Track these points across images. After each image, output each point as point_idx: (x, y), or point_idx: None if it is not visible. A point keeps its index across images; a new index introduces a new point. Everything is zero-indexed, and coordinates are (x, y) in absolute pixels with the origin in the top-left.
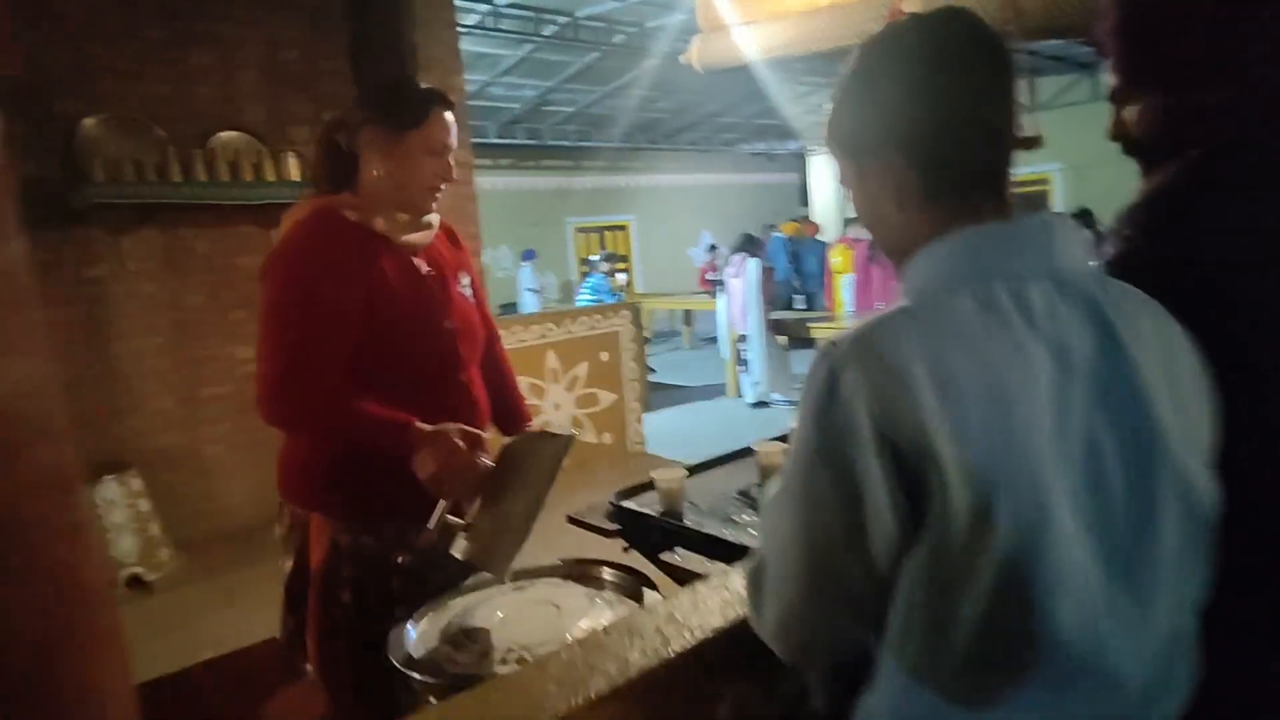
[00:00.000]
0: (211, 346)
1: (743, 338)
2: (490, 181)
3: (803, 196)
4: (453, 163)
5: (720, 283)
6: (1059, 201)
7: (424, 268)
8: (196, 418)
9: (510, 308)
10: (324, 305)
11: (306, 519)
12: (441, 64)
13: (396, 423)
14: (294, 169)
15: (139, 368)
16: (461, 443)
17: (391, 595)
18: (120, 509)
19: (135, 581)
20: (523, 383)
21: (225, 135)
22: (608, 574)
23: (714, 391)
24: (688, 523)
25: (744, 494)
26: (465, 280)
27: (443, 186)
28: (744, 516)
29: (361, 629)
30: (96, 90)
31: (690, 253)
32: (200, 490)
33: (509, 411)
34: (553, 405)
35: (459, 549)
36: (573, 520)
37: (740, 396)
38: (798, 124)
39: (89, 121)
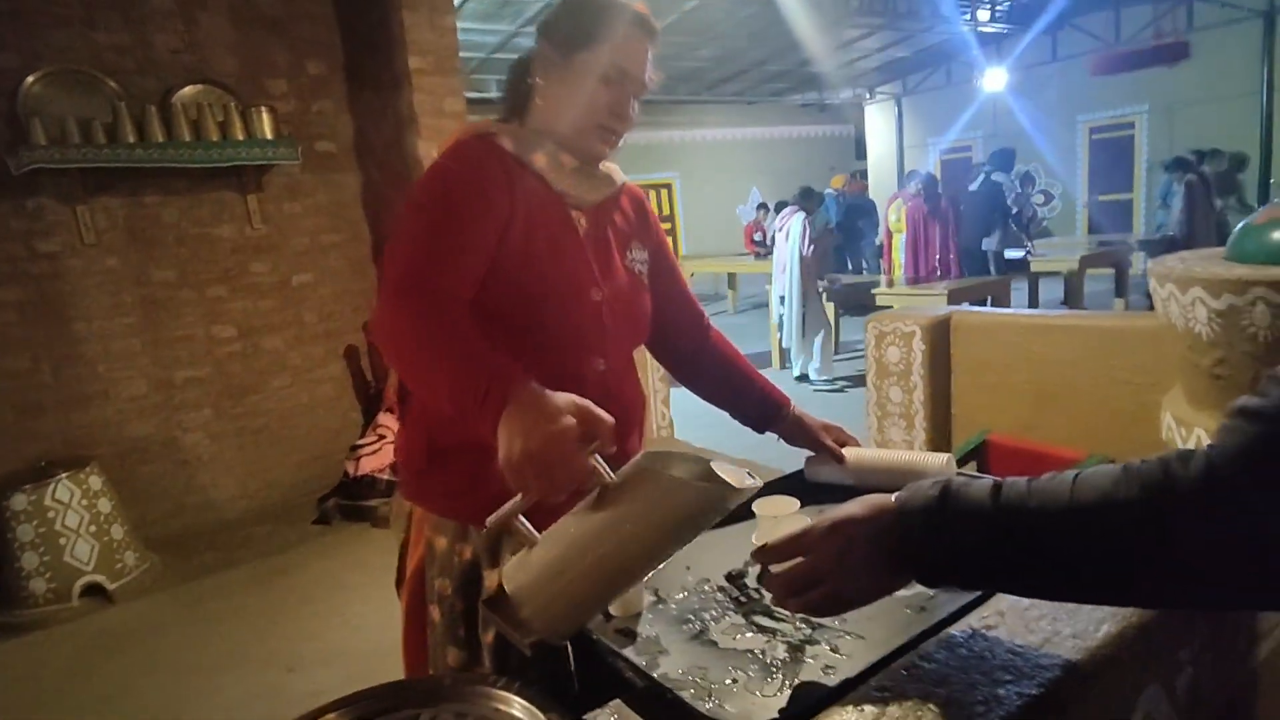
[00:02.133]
0: (187, 325)
1: (781, 299)
2: None
3: (859, 149)
4: (635, 104)
5: (765, 245)
6: (1145, 147)
7: (582, 225)
8: (172, 403)
9: None
10: (465, 219)
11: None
12: (428, 2)
13: (493, 361)
14: (267, 126)
15: (105, 350)
16: (574, 422)
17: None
18: (76, 510)
19: (92, 590)
20: None
21: (190, 90)
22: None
23: (758, 362)
24: (636, 658)
25: (732, 580)
26: (638, 254)
27: (620, 129)
28: (727, 622)
29: (450, 655)
30: (40, 41)
31: (738, 211)
32: (178, 484)
33: (753, 399)
34: None
35: (508, 579)
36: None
37: (786, 368)
38: (850, 71)
39: (31, 78)
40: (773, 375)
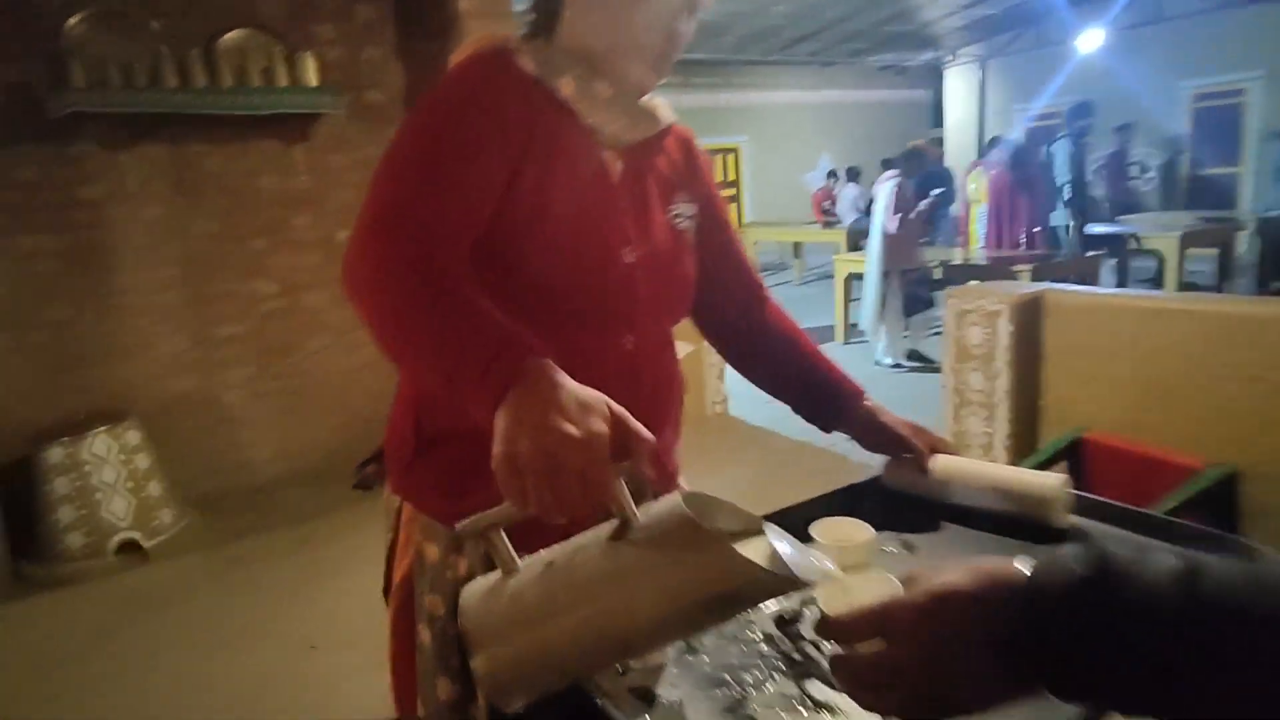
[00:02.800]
0: (229, 280)
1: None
2: None
3: (936, 116)
4: (691, 20)
5: (834, 212)
6: (1257, 119)
7: (617, 169)
8: (212, 360)
9: None
10: (470, 147)
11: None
12: None
13: (498, 325)
14: (312, 72)
15: (146, 303)
16: (596, 424)
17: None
18: (113, 465)
19: (128, 547)
20: None
21: (235, 35)
22: None
23: (821, 336)
24: None
25: (784, 626)
26: (684, 208)
27: (670, 52)
28: (774, 691)
29: (440, 687)
30: None
31: (806, 178)
32: (217, 442)
33: (819, 390)
34: None
35: (466, 607)
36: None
37: (850, 343)
38: (934, 30)
39: (74, 18)
40: (840, 351)
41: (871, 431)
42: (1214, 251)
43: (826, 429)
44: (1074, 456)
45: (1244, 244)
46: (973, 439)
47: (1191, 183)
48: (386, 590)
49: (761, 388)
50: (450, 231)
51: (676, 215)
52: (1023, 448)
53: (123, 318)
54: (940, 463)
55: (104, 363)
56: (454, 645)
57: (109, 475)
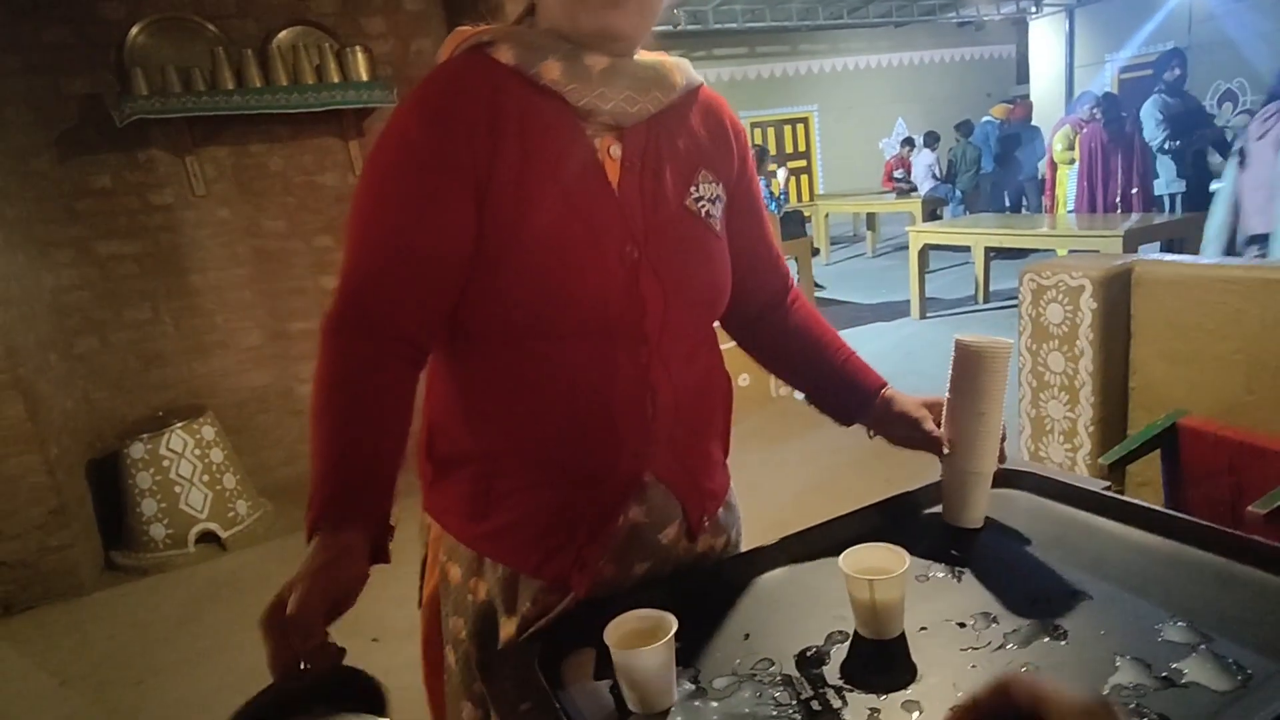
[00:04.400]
0: (298, 277)
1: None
2: None
3: (1020, 72)
4: None
5: (908, 180)
6: None
7: (614, 154)
8: (286, 355)
9: None
10: (429, 206)
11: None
12: None
13: (349, 480)
14: (363, 67)
15: (221, 301)
16: (300, 627)
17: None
18: (189, 460)
19: (207, 538)
20: None
21: (288, 33)
22: None
23: (895, 311)
24: None
25: (805, 667)
26: (708, 189)
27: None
28: None
29: (465, 712)
30: None
31: (882, 145)
32: (292, 432)
33: (838, 383)
34: None
35: None
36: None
37: (925, 318)
38: None
39: (135, 28)
40: (913, 327)
41: (888, 422)
42: None
43: (843, 422)
44: (1170, 443)
45: None
46: (1054, 424)
47: None
48: (421, 603)
49: (778, 377)
50: (412, 319)
51: (698, 198)
52: (1110, 434)
53: (199, 316)
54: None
55: (183, 360)
56: (476, 670)
57: (186, 469)
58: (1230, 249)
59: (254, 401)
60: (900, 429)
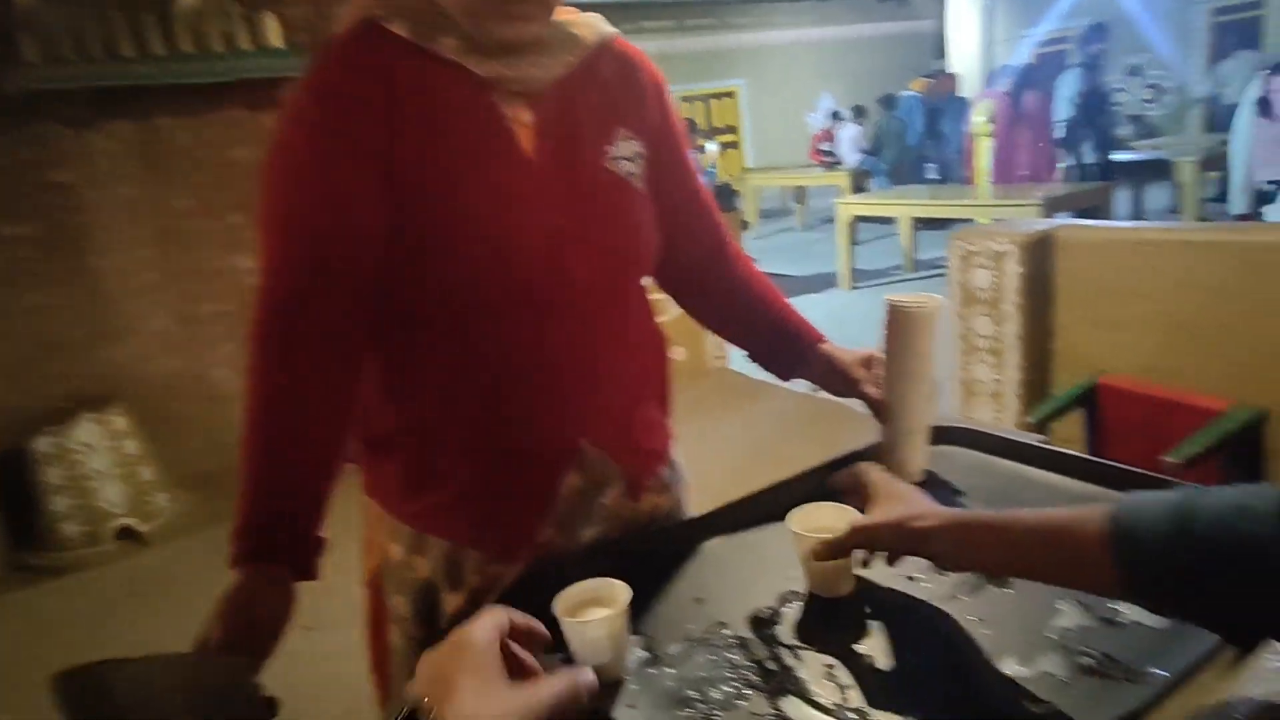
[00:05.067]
0: (210, 257)
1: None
2: None
3: (942, 47)
4: None
5: (832, 153)
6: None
7: (525, 120)
8: (198, 338)
9: None
10: (327, 205)
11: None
12: None
13: (279, 510)
14: (275, 34)
15: (125, 286)
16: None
17: None
18: (102, 453)
19: (126, 534)
20: None
21: None
22: None
23: (825, 282)
24: None
25: (760, 629)
26: (627, 146)
27: None
28: (745, 710)
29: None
30: None
31: (808, 119)
32: (209, 421)
33: (774, 335)
34: None
35: None
36: None
37: (854, 288)
38: None
39: None
40: (843, 297)
41: (827, 377)
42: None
43: (783, 375)
44: (1091, 402)
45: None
46: (982, 387)
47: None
48: (366, 582)
49: (717, 333)
50: (338, 308)
51: (616, 157)
52: (1035, 395)
53: (103, 300)
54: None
55: (88, 347)
56: (420, 648)
57: (99, 462)
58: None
59: (166, 389)
60: (839, 384)
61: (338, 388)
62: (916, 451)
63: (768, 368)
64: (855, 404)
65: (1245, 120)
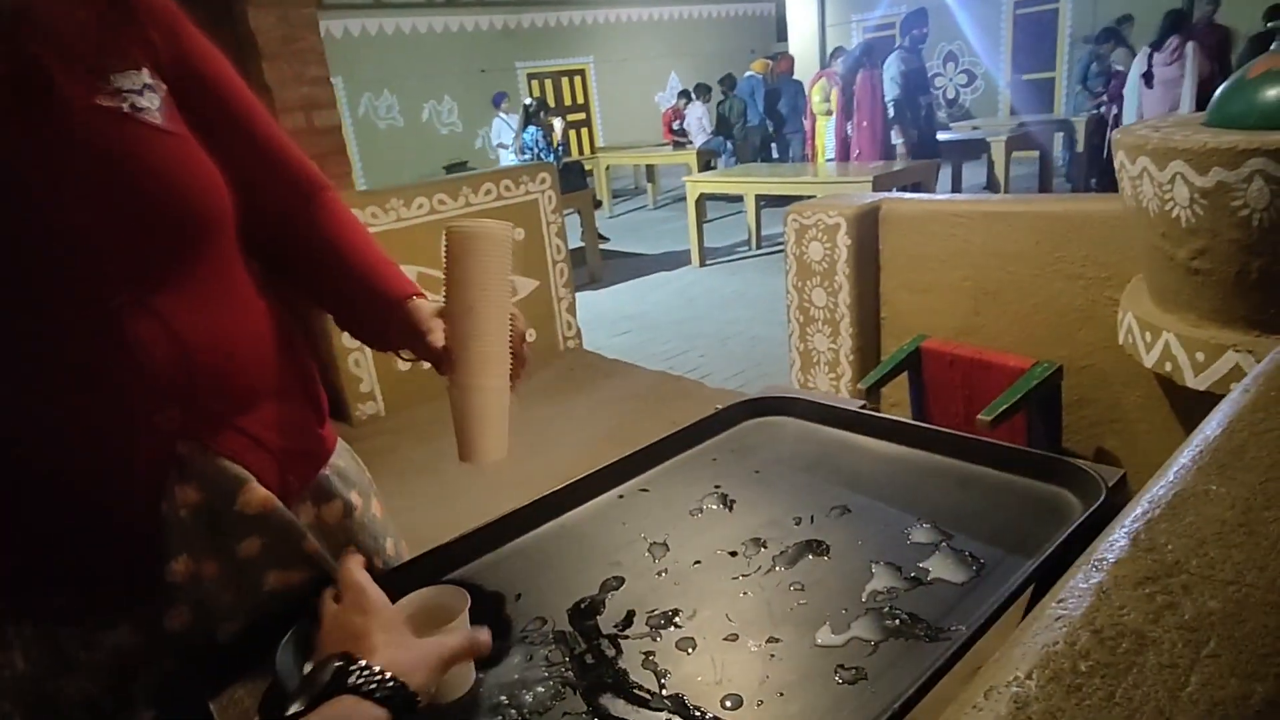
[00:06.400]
0: None
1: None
2: (425, 23)
3: (780, 30)
4: None
5: (684, 131)
6: (1069, 22)
7: None
8: None
9: (459, 168)
10: None
11: None
12: None
13: None
14: None
15: None
16: None
17: None
18: None
19: None
20: (408, 274)
21: None
22: None
23: (677, 260)
24: None
25: (579, 619)
26: (129, 83)
27: None
28: (558, 710)
29: None
30: None
31: (657, 98)
32: None
33: (364, 297)
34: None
35: None
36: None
37: (705, 265)
38: None
39: None
40: (694, 275)
41: (410, 336)
42: (1035, 154)
43: (378, 346)
44: (915, 365)
45: (1057, 146)
46: (819, 356)
47: (1013, 89)
48: None
49: (313, 305)
50: None
51: (118, 90)
52: (867, 361)
53: None
54: None
55: None
56: None
57: None
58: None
59: None
60: (419, 345)
61: None
62: (490, 421)
63: (358, 337)
64: (713, 381)
65: (1132, 90)
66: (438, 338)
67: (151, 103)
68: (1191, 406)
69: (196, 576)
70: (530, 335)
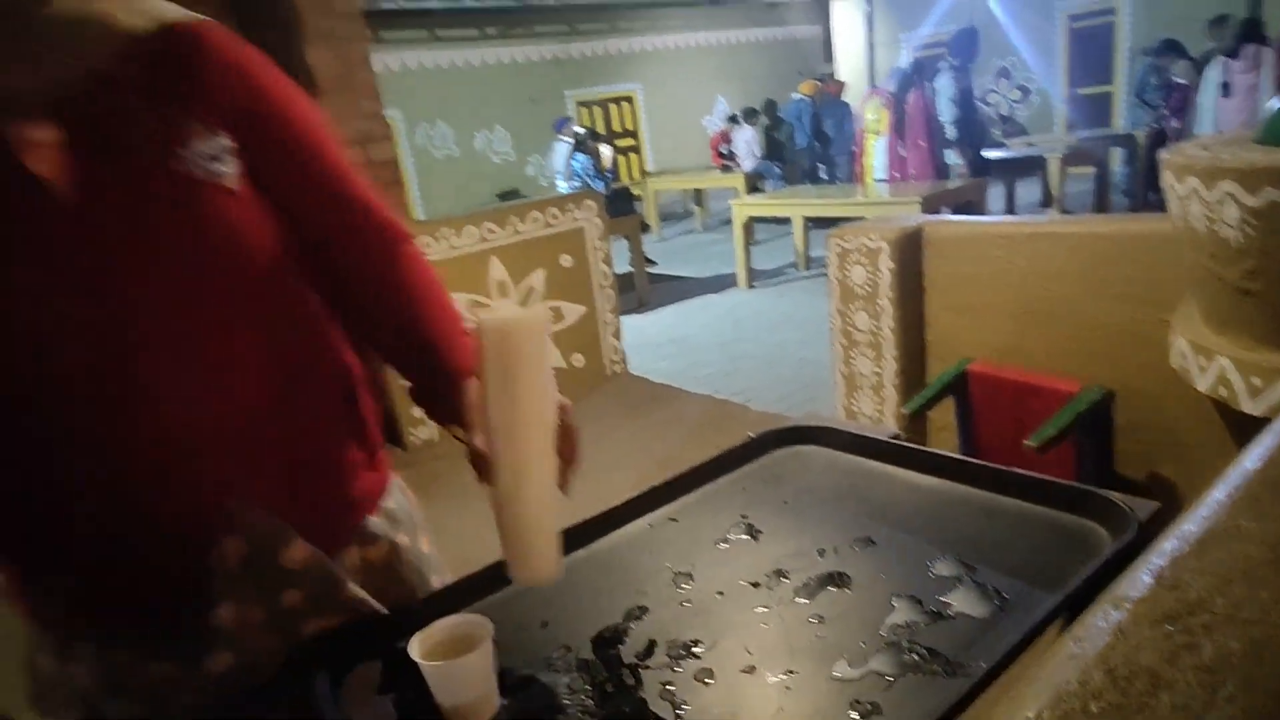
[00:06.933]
0: None
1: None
2: (478, 55)
3: (827, 51)
4: None
5: (732, 154)
6: (1127, 34)
7: (42, 140)
8: None
9: (511, 196)
10: None
11: None
12: None
13: None
14: None
15: None
16: None
17: None
18: None
19: None
20: (459, 302)
21: None
22: None
23: (724, 283)
24: None
25: (603, 648)
26: (203, 149)
27: None
28: None
29: None
30: None
31: (704, 122)
32: None
33: (426, 367)
34: None
35: None
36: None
37: (752, 287)
38: None
39: None
40: (741, 297)
41: (460, 423)
42: (1091, 170)
43: (439, 419)
44: (961, 388)
45: (1117, 161)
46: (863, 380)
47: (1070, 103)
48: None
49: (380, 359)
50: None
51: (193, 157)
52: (912, 384)
53: None
54: None
55: None
56: None
57: None
58: None
59: None
60: (461, 433)
61: None
62: (532, 538)
63: (422, 406)
64: (758, 404)
65: (1209, 101)
66: (479, 440)
67: (227, 168)
68: (1250, 431)
69: (241, 623)
70: (577, 361)
